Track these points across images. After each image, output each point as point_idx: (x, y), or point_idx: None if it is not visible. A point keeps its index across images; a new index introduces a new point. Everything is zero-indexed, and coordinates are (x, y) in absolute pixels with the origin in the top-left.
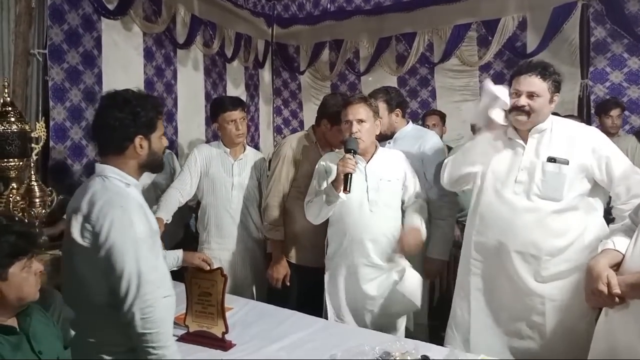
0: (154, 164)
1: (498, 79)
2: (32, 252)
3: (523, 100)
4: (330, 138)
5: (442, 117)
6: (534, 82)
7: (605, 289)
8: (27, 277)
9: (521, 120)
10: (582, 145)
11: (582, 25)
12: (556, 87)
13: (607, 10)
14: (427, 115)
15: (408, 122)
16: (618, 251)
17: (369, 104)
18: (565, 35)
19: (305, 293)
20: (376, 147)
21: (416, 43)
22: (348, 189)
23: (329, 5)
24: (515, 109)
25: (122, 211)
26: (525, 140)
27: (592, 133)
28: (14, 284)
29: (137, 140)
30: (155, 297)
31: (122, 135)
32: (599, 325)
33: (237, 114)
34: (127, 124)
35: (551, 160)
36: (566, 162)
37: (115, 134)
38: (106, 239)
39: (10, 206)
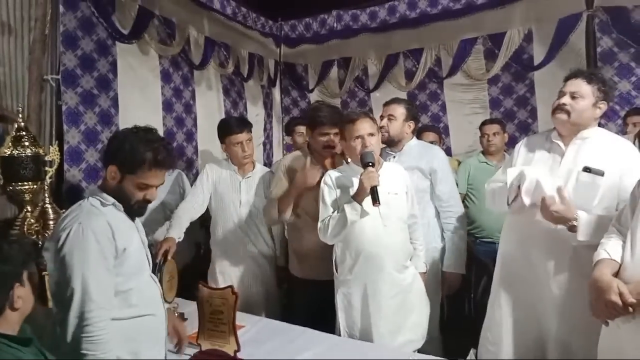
0: (123, 203)
1: (506, 92)
2: (36, 261)
3: (564, 99)
4: (313, 144)
5: (439, 132)
6: (578, 84)
7: (618, 300)
8: (30, 286)
9: (560, 119)
10: (620, 160)
11: (588, 35)
12: (604, 95)
13: (613, 19)
14: (422, 131)
15: (413, 137)
16: (614, 260)
17: (373, 119)
18: (571, 46)
19: (313, 307)
20: (381, 161)
21: (424, 59)
22: (378, 202)
23: (335, 24)
24: (556, 108)
25: (79, 226)
26: (567, 146)
27: (629, 151)
28: (29, 290)
29: (111, 167)
30: (99, 317)
31: (104, 158)
32: (602, 340)
33: (243, 136)
34: (106, 150)
35: (586, 170)
36: (601, 174)
37: (103, 156)
38: (60, 249)
39: (25, 229)
